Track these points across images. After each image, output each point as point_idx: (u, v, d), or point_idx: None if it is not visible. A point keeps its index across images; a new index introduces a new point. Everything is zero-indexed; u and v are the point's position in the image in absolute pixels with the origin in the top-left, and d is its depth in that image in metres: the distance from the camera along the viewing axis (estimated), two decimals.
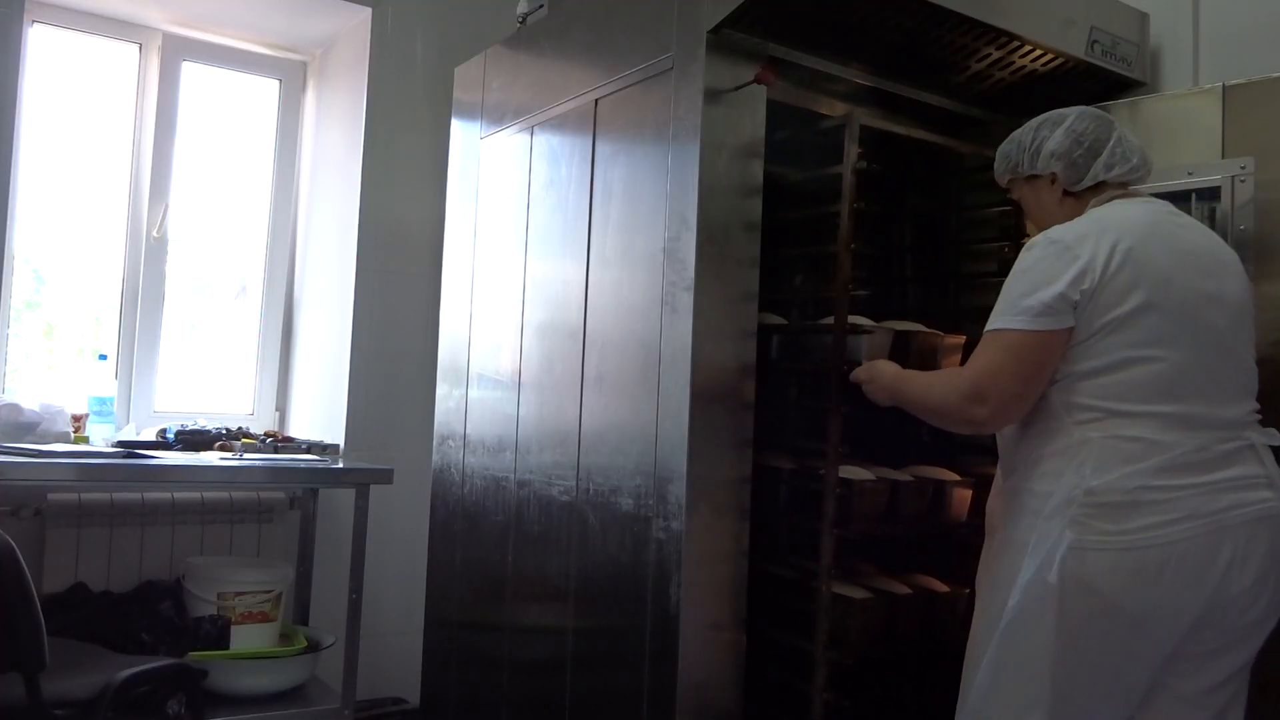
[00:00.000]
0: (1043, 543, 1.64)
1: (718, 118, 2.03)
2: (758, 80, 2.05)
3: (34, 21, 3.09)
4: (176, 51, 3.31)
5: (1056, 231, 1.74)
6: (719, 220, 2.03)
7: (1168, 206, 1.82)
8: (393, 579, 3.16)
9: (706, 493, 2.00)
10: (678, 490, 1.99)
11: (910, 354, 2.22)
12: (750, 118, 2.08)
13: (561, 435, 2.38)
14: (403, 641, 3.13)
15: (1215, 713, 1.69)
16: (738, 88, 2.05)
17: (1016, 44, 2.25)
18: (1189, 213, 2.20)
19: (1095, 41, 2.35)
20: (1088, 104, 2.41)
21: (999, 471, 1.88)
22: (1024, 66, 2.34)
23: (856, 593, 2.16)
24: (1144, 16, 2.47)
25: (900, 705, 2.41)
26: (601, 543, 2.21)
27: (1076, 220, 1.78)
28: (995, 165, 1.98)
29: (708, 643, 2.00)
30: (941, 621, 2.25)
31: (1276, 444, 1.69)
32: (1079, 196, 1.86)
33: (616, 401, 2.21)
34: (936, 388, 1.83)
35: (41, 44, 3.13)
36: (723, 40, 2.04)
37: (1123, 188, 1.85)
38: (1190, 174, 2.20)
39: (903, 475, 2.26)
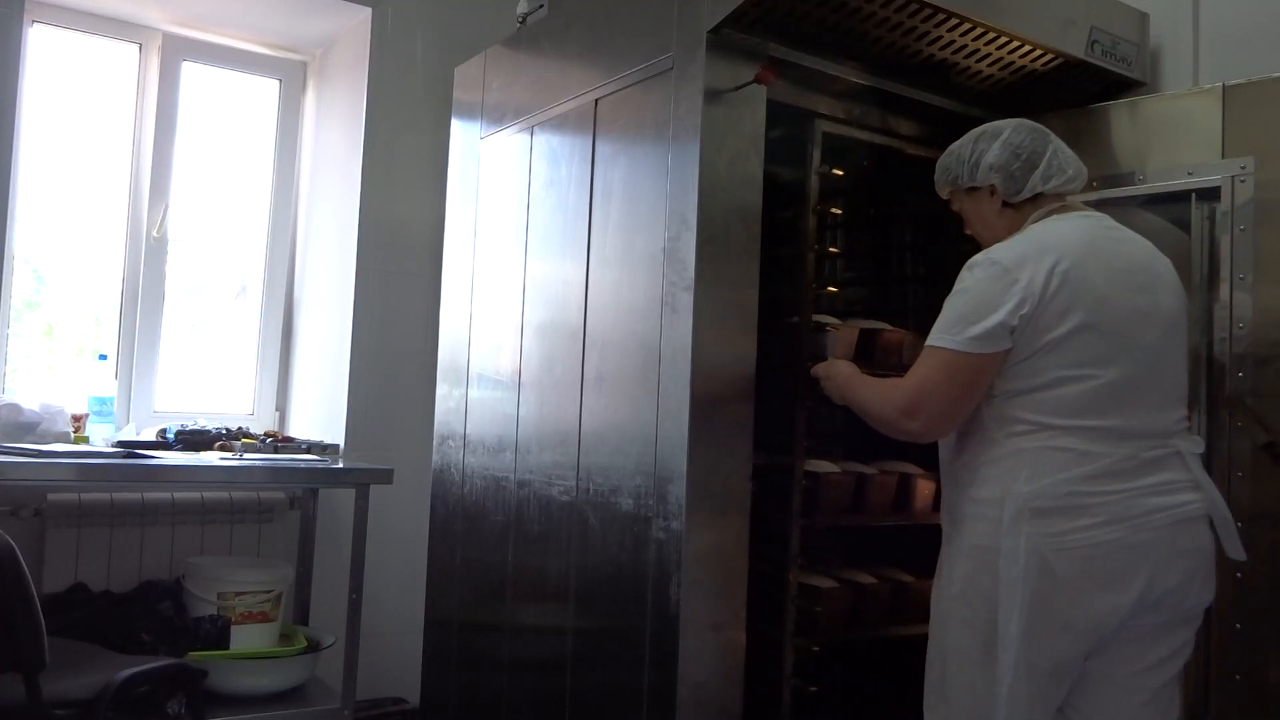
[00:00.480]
0: (990, 546, 1.72)
1: (718, 118, 2.03)
2: (758, 80, 2.05)
3: (34, 21, 3.09)
4: (176, 51, 3.31)
5: (997, 252, 1.79)
6: (719, 220, 2.03)
7: (1105, 220, 1.87)
8: (393, 579, 3.16)
9: (706, 493, 2.00)
10: (678, 490, 1.99)
11: (875, 351, 2.31)
12: (750, 118, 2.08)
13: (561, 435, 2.38)
14: (403, 641, 3.13)
15: (1150, 695, 1.77)
16: (738, 88, 2.05)
17: (1016, 44, 2.25)
18: (1188, 214, 2.21)
19: (1095, 41, 2.35)
20: (1087, 104, 2.42)
21: (942, 480, 1.95)
22: (1024, 66, 2.34)
23: (824, 582, 2.25)
24: (1144, 16, 2.47)
25: (867, 692, 2.51)
26: (601, 543, 2.21)
27: (1016, 239, 1.83)
28: (935, 177, 2.03)
29: (708, 643, 2.00)
30: (907, 610, 2.33)
31: (1200, 450, 1.78)
32: (1018, 208, 1.91)
33: (616, 401, 2.21)
34: (877, 398, 1.89)
35: (41, 44, 3.13)
36: (723, 40, 2.04)
37: (1060, 199, 1.90)
38: (1190, 174, 2.21)
39: (868, 469, 2.33)
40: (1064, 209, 1.88)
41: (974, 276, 1.77)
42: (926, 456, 2.40)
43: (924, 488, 2.38)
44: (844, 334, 2.27)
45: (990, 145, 1.91)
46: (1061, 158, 1.88)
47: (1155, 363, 1.76)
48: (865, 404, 1.91)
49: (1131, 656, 1.75)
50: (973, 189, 1.95)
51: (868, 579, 2.33)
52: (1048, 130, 1.92)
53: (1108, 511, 1.68)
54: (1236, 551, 1.77)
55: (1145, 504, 1.70)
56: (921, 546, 2.35)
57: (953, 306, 1.78)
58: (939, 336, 1.77)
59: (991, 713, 1.71)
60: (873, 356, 2.30)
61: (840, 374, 2.01)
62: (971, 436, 1.82)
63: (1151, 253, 1.86)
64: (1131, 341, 1.74)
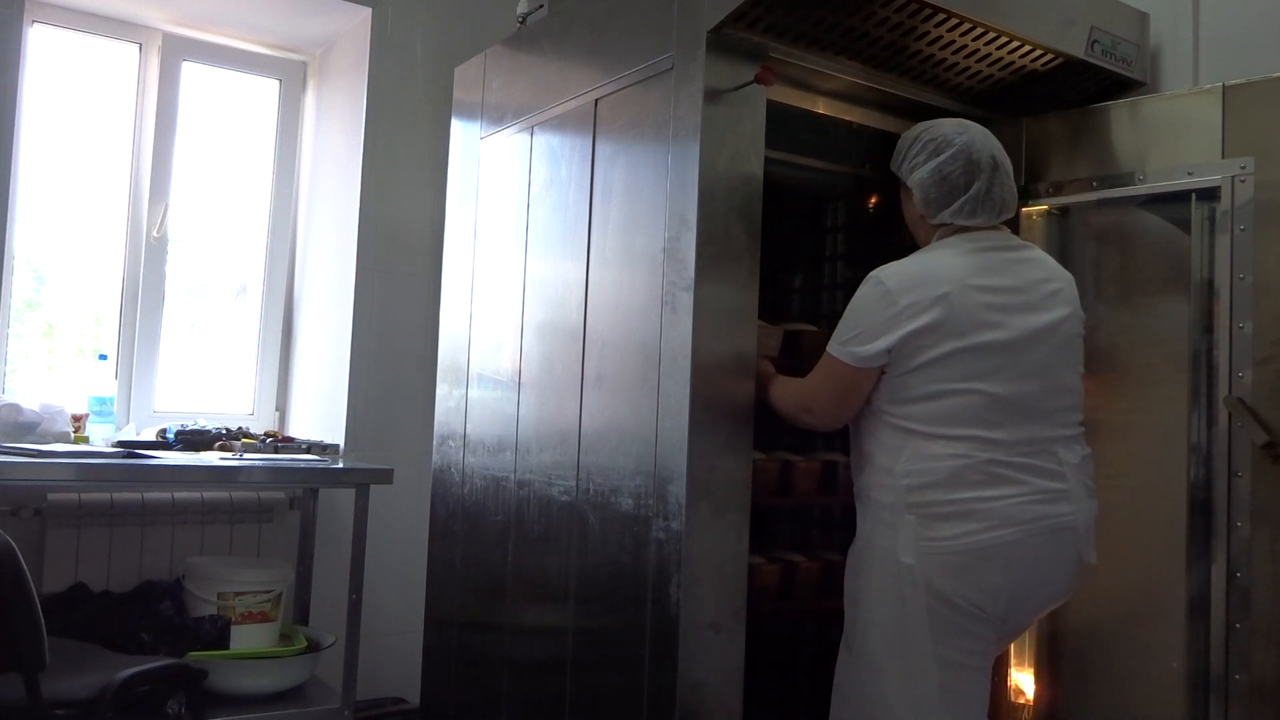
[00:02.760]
0: (891, 545, 1.89)
1: (718, 118, 2.03)
2: (758, 80, 2.05)
3: (34, 21, 3.09)
4: (176, 51, 3.32)
5: (887, 272, 1.94)
6: (719, 220, 2.04)
7: (1005, 240, 2.01)
8: (393, 579, 3.16)
9: (706, 493, 2.00)
10: (678, 490, 1.99)
11: (801, 351, 2.42)
12: (750, 118, 2.08)
13: (561, 435, 2.38)
14: (403, 641, 3.13)
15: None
16: (738, 88, 2.05)
17: (1016, 44, 2.25)
18: (1188, 214, 2.22)
19: (1095, 41, 2.35)
20: (1087, 104, 2.41)
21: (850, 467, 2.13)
22: (1024, 66, 2.34)
23: (755, 559, 2.32)
24: (1144, 16, 2.47)
25: (798, 663, 2.77)
26: (601, 543, 2.21)
27: (909, 260, 1.99)
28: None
29: (708, 643, 2.00)
30: (836, 587, 2.44)
31: (1077, 460, 1.93)
32: (933, 223, 2.04)
33: (616, 401, 2.21)
34: (783, 396, 2.08)
35: (41, 44, 3.13)
36: (723, 40, 2.04)
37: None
38: (1190, 174, 2.20)
39: (794, 457, 2.43)
40: (967, 230, 2.00)
41: (863, 294, 1.94)
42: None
43: (845, 474, 2.47)
44: (769, 335, 2.38)
45: (926, 161, 2.01)
46: (990, 197, 1.98)
47: (1043, 375, 1.91)
48: (774, 399, 2.08)
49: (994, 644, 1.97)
50: (904, 184, 2.09)
51: (801, 559, 2.47)
52: (993, 160, 1.99)
53: (995, 517, 1.84)
54: (1088, 555, 1.94)
55: (1031, 510, 1.86)
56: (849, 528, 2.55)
57: (844, 318, 1.96)
58: (831, 344, 1.97)
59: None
60: (798, 355, 2.43)
61: (761, 374, 2.10)
62: (865, 434, 2.00)
63: (1050, 270, 2.01)
64: (1019, 358, 1.88)
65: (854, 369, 1.93)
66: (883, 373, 1.93)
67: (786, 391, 2.08)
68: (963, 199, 1.98)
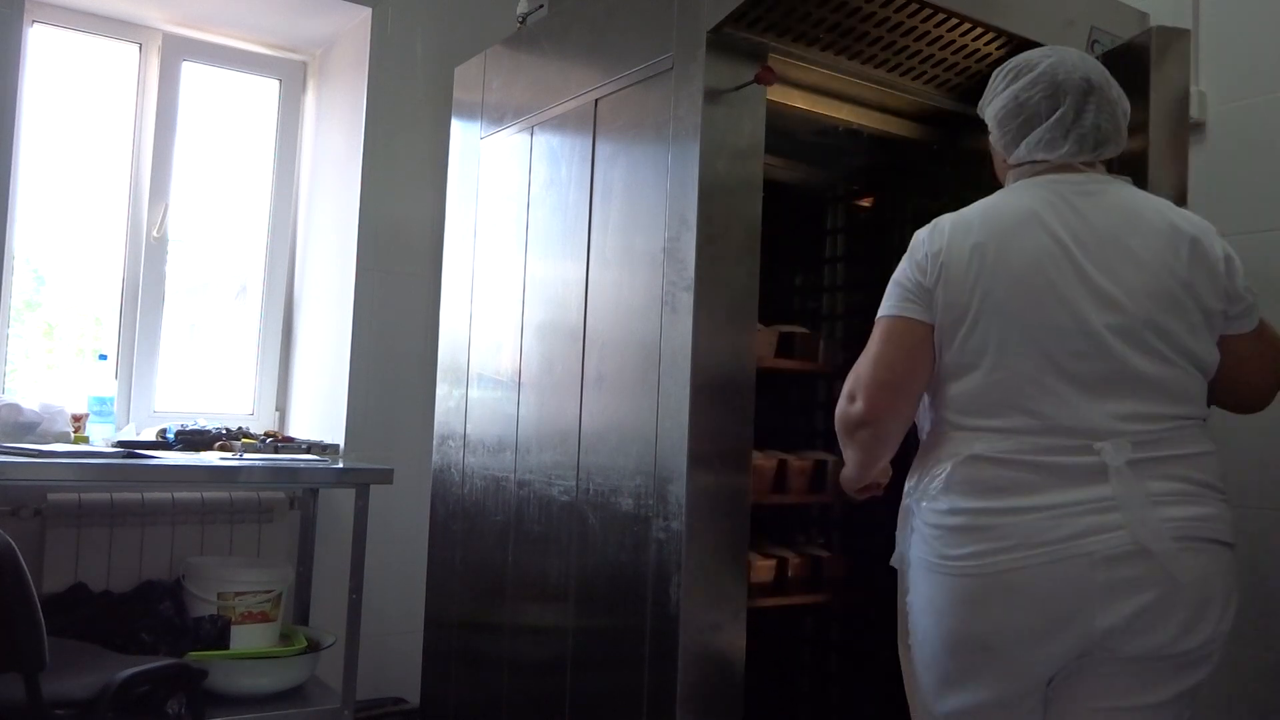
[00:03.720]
0: (914, 559, 1.63)
1: (718, 118, 2.03)
2: (758, 80, 2.05)
3: (34, 21, 3.09)
4: (176, 51, 3.31)
5: (936, 220, 1.65)
6: (719, 220, 2.03)
7: (1087, 181, 1.62)
8: (393, 579, 3.15)
9: (706, 493, 2.00)
10: (678, 490, 1.99)
11: (794, 352, 2.44)
12: (750, 118, 2.08)
13: (561, 435, 2.38)
14: (403, 641, 3.13)
15: None
16: (738, 88, 2.05)
17: (1017, 44, 2.25)
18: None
19: (1095, 41, 2.35)
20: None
21: None
22: None
23: (751, 557, 2.36)
24: (1144, 16, 2.46)
25: (793, 652, 2.80)
26: (601, 543, 2.21)
27: (972, 207, 1.65)
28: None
29: (708, 643, 2.00)
30: (823, 583, 2.54)
31: (1124, 460, 1.48)
32: (1010, 165, 1.73)
33: (616, 401, 2.21)
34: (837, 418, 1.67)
35: (41, 44, 3.13)
36: (723, 40, 2.04)
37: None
38: None
39: (790, 456, 2.45)
40: (1049, 170, 1.65)
41: (912, 242, 1.65)
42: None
43: (836, 470, 2.50)
44: (764, 336, 2.38)
45: (1004, 87, 1.70)
46: (1079, 124, 1.63)
47: (1095, 354, 1.51)
48: (837, 422, 1.68)
49: (1099, 694, 1.52)
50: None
51: (792, 556, 2.51)
52: (1086, 82, 1.64)
53: (1011, 534, 1.47)
54: (1179, 578, 1.46)
55: (1061, 528, 1.45)
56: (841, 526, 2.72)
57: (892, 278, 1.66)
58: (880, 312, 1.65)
59: None
60: (791, 356, 2.45)
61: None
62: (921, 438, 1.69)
63: (1135, 223, 1.58)
64: (1058, 329, 1.51)
65: (900, 321, 1.58)
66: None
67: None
68: (1042, 127, 1.64)
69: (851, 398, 1.61)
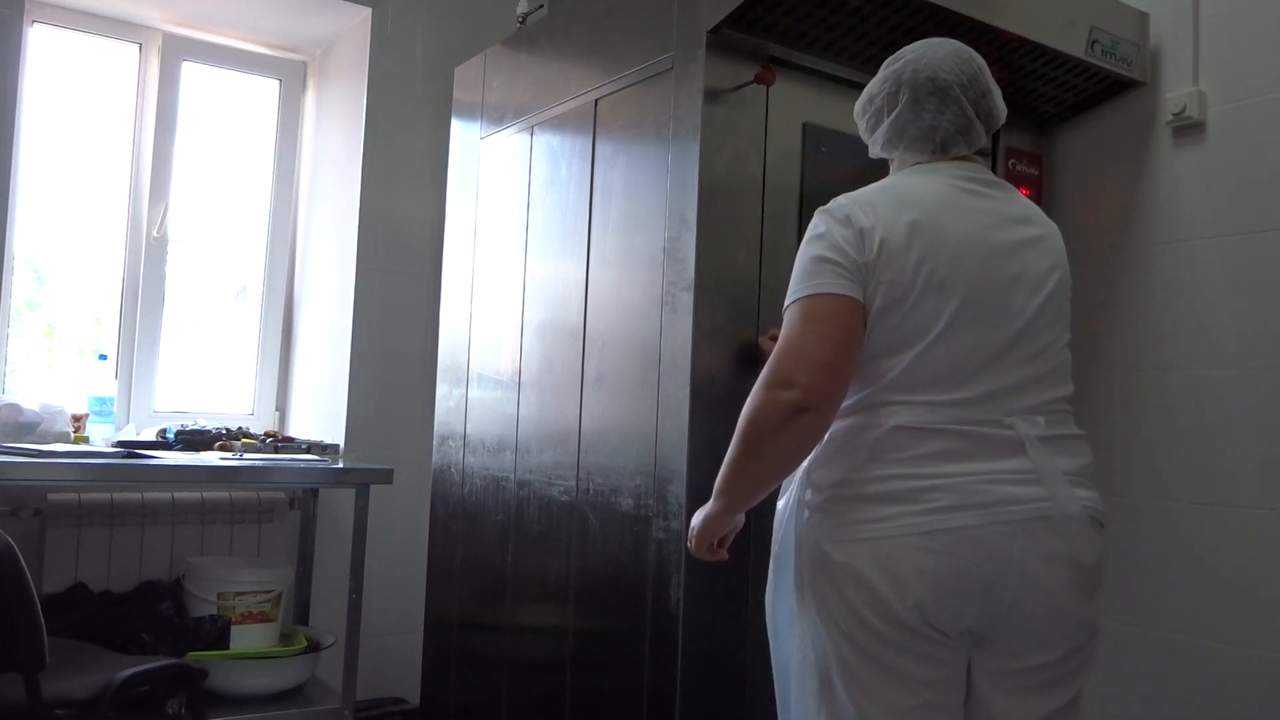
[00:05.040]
0: (812, 534, 1.55)
1: (718, 118, 2.04)
2: (758, 80, 2.05)
3: (34, 21, 3.09)
4: (176, 51, 3.31)
5: (836, 201, 1.58)
6: (719, 220, 2.04)
7: (973, 173, 1.62)
8: (393, 579, 3.15)
9: (706, 493, 1.99)
10: (678, 490, 1.99)
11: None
12: (750, 118, 2.08)
13: (561, 435, 2.38)
14: (403, 641, 3.13)
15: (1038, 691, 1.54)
16: (738, 88, 2.05)
17: (1016, 44, 2.25)
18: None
19: (1095, 41, 2.35)
20: (1088, 104, 2.40)
21: None
22: (1024, 66, 2.34)
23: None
24: (1144, 16, 2.47)
25: None
26: (601, 543, 2.21)
27: (866, 189, 1.61)
28: None
29: (708, 643, 2.00)
30: None
31: (1039, 434, 1.50)
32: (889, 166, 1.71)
33: (616, 401, 2.21)
34: (742, 416, 1.54)
35: (41, 44, 3.13)
36: (723, 40, 2.04)
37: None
38: None
39: None
40: (931, 162, 1.64)
41: (814, 228, 1.57)
42: None
43: None
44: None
45: (870, 82, 1.68)
46: (915, 123, 1.61)
47: (1020, 333, 1.54)
48: (740, 431, 1.54)
49: (1004, 655, 1.53)
50: None
51: None
52: (935, 82, 1.61)
53: (951, 494, 1.46)
54: (1084, 555, 1.50)
55: (997, 491, 1.46)
56: None
57: (800, 264, 1.57)
58: (790, 296, 1.55)
59: None
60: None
61: (703, 511, 1.67)
62: None
63: (1029, 213, 1.64)
64: (991, 306, 1.52)
65: (828, 298, 1.50)
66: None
67: (744, 412, 1.55)
68: (883, 126, 1.65)
69: (785, 384, 1.48)
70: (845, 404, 1.54)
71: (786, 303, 1.56)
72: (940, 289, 1.51)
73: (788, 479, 1.64)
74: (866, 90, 1.69)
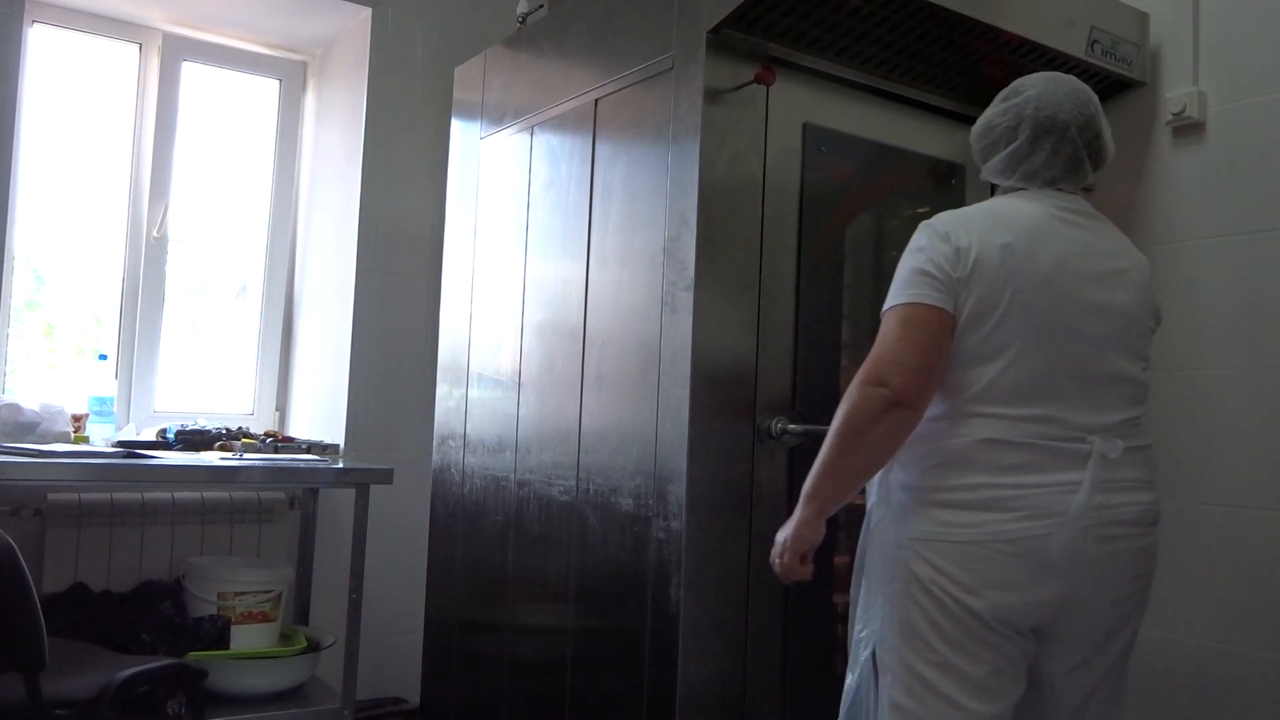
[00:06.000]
0: (902, 532, 1.67)
1: (718, 118, 2.04)
2: (758, 80, 2.05)
3: (34, 21, 3.09)
4: (176, 51, 3.31)
5: (939, 218, 1.70)
6: (719, 220, 2.04)
7: (1071, 204, 1.74)
8: (393, 579, 3.16)
9: (706, 493, 2.00)
10: (678, 490, 1.99)
11: None
12: (750, 118, 2.08)
13: (561, 435, 2.38)
14: (403, 641, 3.13)
15: (1083, 696, 1.72)
16: (738, 88, 2.05)
17: (1016, 44, 2.25)
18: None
19: (1095, 41, 2.36)
20: None
21: None
22: (1024, 66, 2.34)
23: None
24: (1144, 16, 2.47)
25: None
26: (601, 543, 2.21)
27: (966, 209, 1.76)
28: None
29: (708, 643, 2.00)
30: None
31: (1116, 455, 1.63)
32: (993, 188, 1.85)
33: (616, 401, 2.21)
34: (839, 415, 1.65)
35: (41, 44, 3.13)
36: (723, 40, 2.04)
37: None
38: None
39: None
40: (1026, 189, 1.76)
41: (916, 241, 1.69)
42: None
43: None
44: None
45: (992, 106, 1.80)
46: (1030, 160, 1.73)
47: (1097, 357, 1.67)
48: (836, 428, 1.65)
49: (1062, 655, 1.69)
50: None
51: None
52: (1055, 121, 1.72)
53: (1028, 505, 1.59)
54: (1143, 552, 1.69)
55: (1069, 502, 1.59)
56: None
57: (900, 274, 1.69)
58: (889, 302, 1.68)
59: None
60: None
61: (793, 519, 1.72)
62: None
63: (1120, 246, 1.76)
64: (1071, 331, 1.65)
65: (925, 308, 1.63)
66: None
67: (841, 408, 1.67)
68: (998, 156, 1.76)
69: (879, 383, 1.62)
70: (931, 411, 1.67)
71: (886, 307, 1.69)
72: (1025, 310, 1.63)
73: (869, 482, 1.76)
74: (986, 118, 1.79)
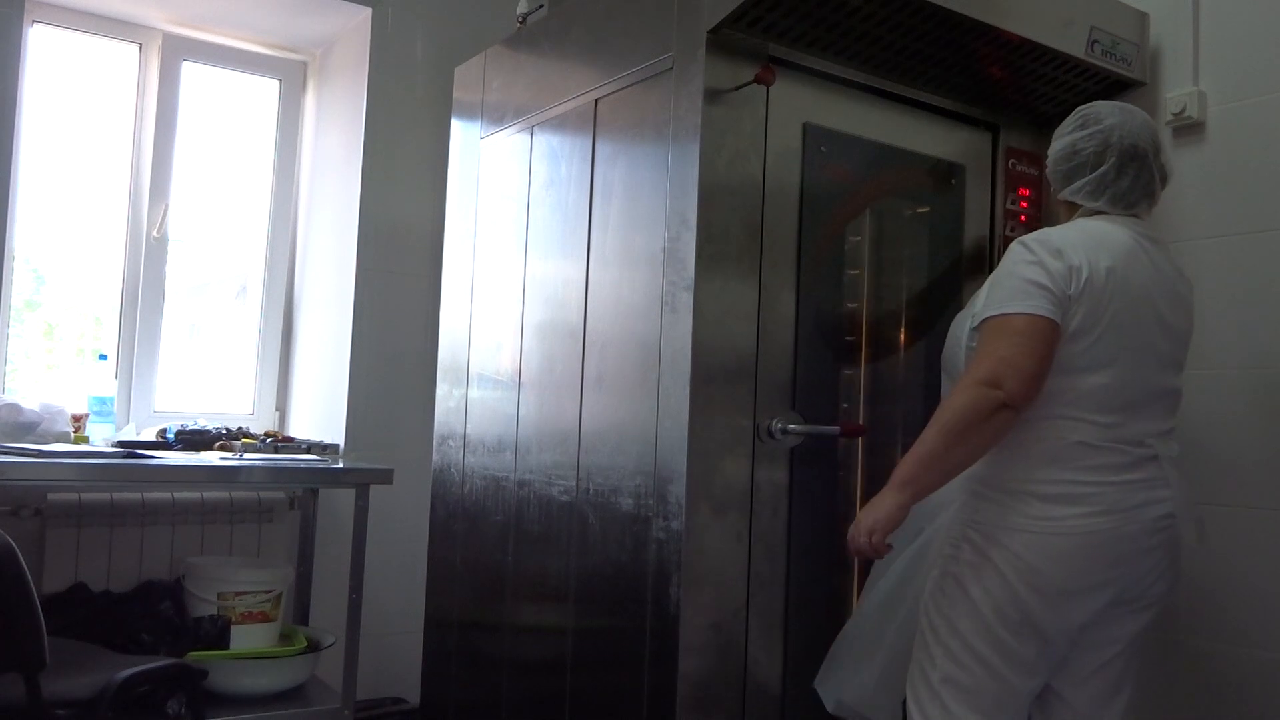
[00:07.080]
0: (977, 521, 1.83)
1: (718, 118, 2.04)
2: (758, 80, 2.05)
3: (34, 21, 3.09)
4: (176, 51, 3.31)
5: (1052, 234, 1.85)
6: (719, 220, 2.04)
7: (1146, 230, 1.91)
8: (393, 579, 3.16)
9: (706, 493, 2.00)
10: (678, 490, 1.99)
11: None
12: (750, 118, 2.08)
13: (561, 435, 2.38)
14: (403, 641, 3.13)
15: (1099, 666, 1.90)
16: (738, 88, 2.05)
17: (1016, 44, 2.25)
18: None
19: (1095, 41, 2.35)
20: (1087, 104, 2.39)
21: None
22: (1024, 66, 2.34)
23: None
24: (1144, 16, 2.47)
25: None
26: (601, 543, 2.21)
27: (1068, 226, 1.90)
28: None
29: (708, 643, 2.00)
30: None
31: (1175, 455, 1.87)
32: (1069, 206, 1.98)
33: (616, 401, 2.21)
34: (953, 400, 1.77)
35: (41, 44, 3.13)
36: (723, 40, 2.04)
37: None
38: None
39: None
40: (1114, 214, 1.91)
41: (1029, 255, 1.81)
42: None
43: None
44: None
45: (1069, 131, 1.94)
46: (1116, 184, 1.88)
47: (1160, 372, 1.86)
48: (946, 422, 1.75)
49: (1101, 635, 1.87)
50: None
51: None
52: (1134, 149, 1.88)
53: (1103, 501, 1.77)
54: (1192, 540, 1.88)
55: (1135, 497, 1.79)
56: None
57: (1003, 284, 1.82)
58: (1000, 308, 1.79)
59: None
60: None
61: (883, 496, 1.80)
62: None
63: (1179, 271, 1.94)
64: (1148, 348, 1.83)
65: (1036, 319, 1.75)
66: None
67: (954, 400, 1.78)
68: (1086, 179, 1.90)
69: (994, 384, 1.73)
70: (1033, 415, 1.79)
71: (995, 312, 1.80)
72: (1118, 329, 1.79)
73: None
74: (1069, 143, 1.93)
